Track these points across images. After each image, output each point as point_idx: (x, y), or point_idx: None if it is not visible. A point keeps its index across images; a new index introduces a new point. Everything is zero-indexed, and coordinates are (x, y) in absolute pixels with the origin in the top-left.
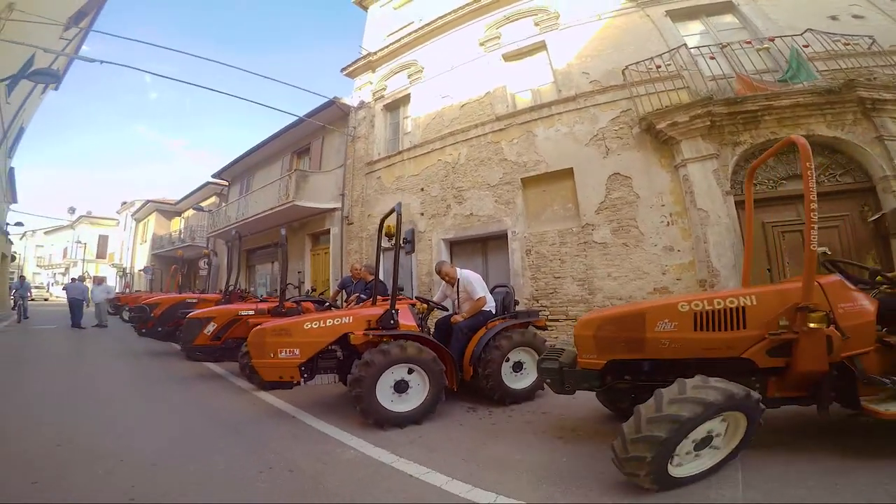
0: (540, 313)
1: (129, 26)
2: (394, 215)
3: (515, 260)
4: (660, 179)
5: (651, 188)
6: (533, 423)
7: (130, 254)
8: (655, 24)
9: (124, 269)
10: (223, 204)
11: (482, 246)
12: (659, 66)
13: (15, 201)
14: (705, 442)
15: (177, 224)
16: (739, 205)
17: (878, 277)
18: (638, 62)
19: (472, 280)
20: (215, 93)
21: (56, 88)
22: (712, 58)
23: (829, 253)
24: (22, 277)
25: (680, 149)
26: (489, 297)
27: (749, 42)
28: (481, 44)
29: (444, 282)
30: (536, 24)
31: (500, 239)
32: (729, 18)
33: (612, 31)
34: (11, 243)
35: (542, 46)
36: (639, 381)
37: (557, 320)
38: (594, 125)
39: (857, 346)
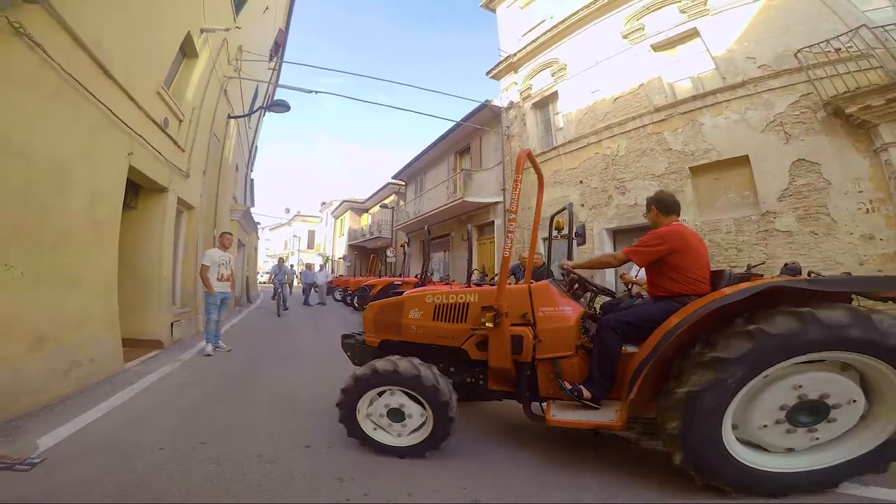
0: None
1: (300, 48)
2: (564, 212)
3: None
4: (855, 164)
5: (844, 174)
6: None
7: (332, 245)
8: (825, 3)
9: (328, 258)
10: (401, 202)
11: None
12: (839, 49)
13: (253, 205)
14: (398, 415)
15: (365, 220)
16: None
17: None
18: (812, 45)
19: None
20: (375, 101)
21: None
22: None
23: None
24: (280, 260)
25: (878, 132)
26: None
27: None
28: (624, 36)
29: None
30: (683, 12)
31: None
32: None
33: (772, 13)
34: (258, 238)
35: (694, 34)
36: None
37: None
38: (769, 111)
39: (554, 349)
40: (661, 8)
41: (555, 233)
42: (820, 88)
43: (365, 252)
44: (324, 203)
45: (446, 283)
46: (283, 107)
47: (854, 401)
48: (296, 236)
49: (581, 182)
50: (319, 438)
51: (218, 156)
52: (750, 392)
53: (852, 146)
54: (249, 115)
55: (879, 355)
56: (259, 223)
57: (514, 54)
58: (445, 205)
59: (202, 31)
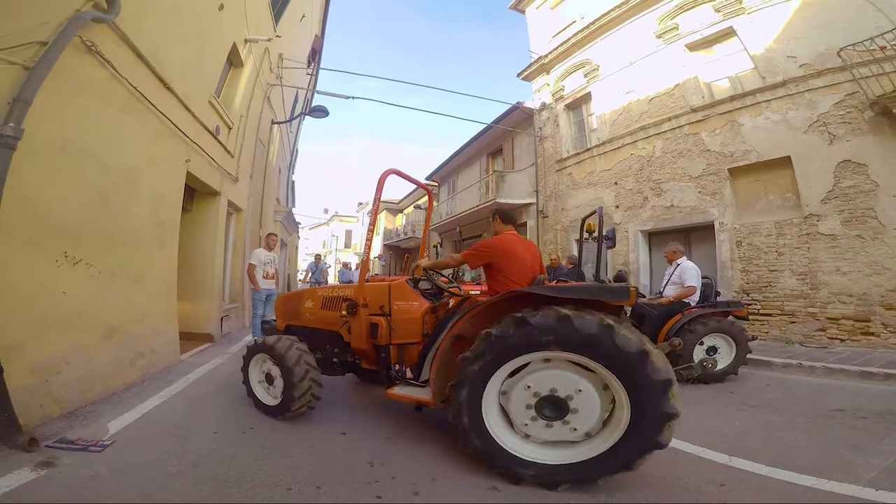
0: (745, 305)
1: (336, 50)
2: (595, 215)
3: (723, 251)
4: None
5: (894, 175)
6: (716, 398)
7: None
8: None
9: (363, 258)
10: (434, 202)
11: (684, 237)
12: (884, 47)
13: (294, 206)
14: (270, 379)
15: (399, 220)
16: None
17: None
18: (855, 43)
19: (690, 270)
20: (408, 105)
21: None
22: None
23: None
24: (318, 257)
25: None
26: (697, 291)
27: None
28: (658, 36)
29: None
30: (717, 11)
31: (704, 230)
32: None
33: (812, 11)
34: (299, 238)
35: (730, 32)
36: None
37: (770, 315)
38: (812, 111)
39: (405, 336)
40: (694, 7)
41: (585, 235)
42: (866, 87)
43: (399, 252)
44: (360, 203)
45: (478, 284)
46: (322, 112)
47: (587, 407)
48: (333, 236)
49: (616, 183)
50: (354, 426)
51: (263, 160)
52: (520, 377)
53: None
54: (291, 120)
55: (598, 359)
56: (300, 223)
57: (546, 55)
58: (478, 206)
59: (246, 41)
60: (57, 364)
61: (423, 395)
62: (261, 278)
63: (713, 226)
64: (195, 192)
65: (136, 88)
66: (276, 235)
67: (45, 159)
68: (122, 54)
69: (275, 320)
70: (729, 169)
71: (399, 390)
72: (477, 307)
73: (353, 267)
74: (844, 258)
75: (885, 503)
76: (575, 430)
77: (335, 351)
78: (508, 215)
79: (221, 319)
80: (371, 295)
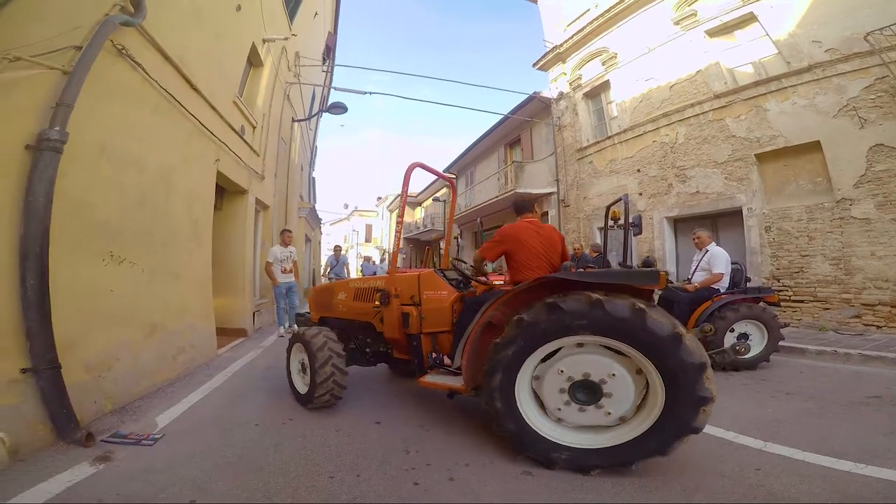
0: (776, 291)
1: (348, 46)
2: (620, 203)
3: (752, 237)
4: None
5: None
6: (749, 385)
7: (388, 238)
8: None
9: (385, 250)
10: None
11: (711, 223)
12: None
13: (315, 202)
14: (304, 368)
15: (419, 213)
16: None
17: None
18: (882, 27)
19: (719, 256)
20: (423, 98)
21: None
22: None
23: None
24: (337, 248)
25: None
26: (726, 278)
27: None
28: (676, 23)
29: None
30: None
31: (731, 216)
32: None
33: None
34: (321, 234)
35: (751, 18)
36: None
37: (803, 301)
38: (841, 95)
39: (435, 325)
40: None
41: (611, 223)
42: (895, 71)
43: (419, 244)
44: (379, 198)
45: (501, 275)
46: (340, 108)
47: (621, 391)
48: (354, 230)
49: (638, 171)
50: (387, 416)
51: (286, 158)
52: (552, 362)
53: None
54: (310, 118)
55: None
56: (321, 219)
57: (561, 45)
58: (497, 197)
59: (264, 41)
60: (108, 360)
61: (455, 382)
62: (279, 273)
63: (741, 211)
64: (225, 191)
65: (165, 90)
66: (290, 231)
67: (87, 162)
68: (150, 57)
69: (308, 312)
70: (756, 154)
71: (431, 378)
72: (507, 294)
73: (378, 260)
74: (880, 242)
75: None
76: (609, 414)
77: (368, 341)
78: (521, 205)
79: (254, 314)
80: (402, 285)
